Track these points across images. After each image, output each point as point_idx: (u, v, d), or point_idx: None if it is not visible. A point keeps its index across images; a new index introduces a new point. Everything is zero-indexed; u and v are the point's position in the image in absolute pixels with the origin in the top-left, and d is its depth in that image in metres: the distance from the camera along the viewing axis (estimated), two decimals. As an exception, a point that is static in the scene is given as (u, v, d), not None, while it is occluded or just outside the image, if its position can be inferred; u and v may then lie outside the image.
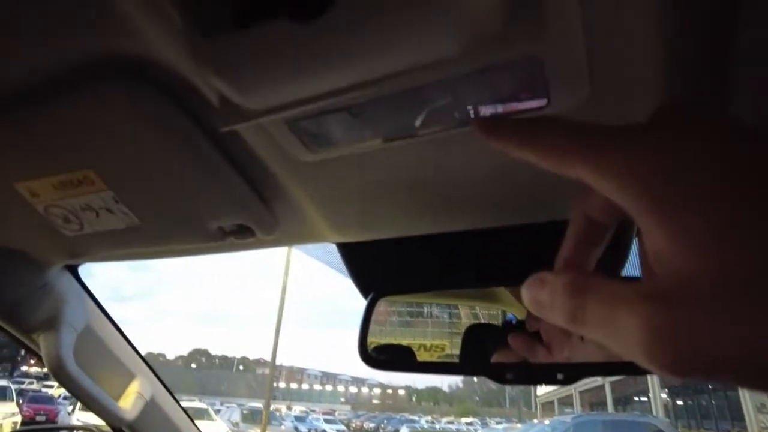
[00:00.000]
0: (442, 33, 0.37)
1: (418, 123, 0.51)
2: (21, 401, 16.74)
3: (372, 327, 0.79)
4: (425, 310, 0.97)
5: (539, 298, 0.32)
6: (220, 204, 0.69)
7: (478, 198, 0.65)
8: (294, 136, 0.54)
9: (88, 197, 0.71)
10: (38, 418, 16.51)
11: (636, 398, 30.91)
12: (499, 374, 0.67)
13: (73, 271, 1.14)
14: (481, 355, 0.89)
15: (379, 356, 0.82)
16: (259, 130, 0.56)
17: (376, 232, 0.76)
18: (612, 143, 0.30)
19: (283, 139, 0.55)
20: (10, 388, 16.12)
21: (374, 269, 0.84)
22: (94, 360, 1.16)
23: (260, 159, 0.63)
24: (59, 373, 1.04)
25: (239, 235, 0.75)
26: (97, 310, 1.19)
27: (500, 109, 0.48)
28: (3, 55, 0.55)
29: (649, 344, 0.24)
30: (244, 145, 0.61)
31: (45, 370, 1.11)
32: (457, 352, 0.91)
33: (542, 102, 0.46)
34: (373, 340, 0.83)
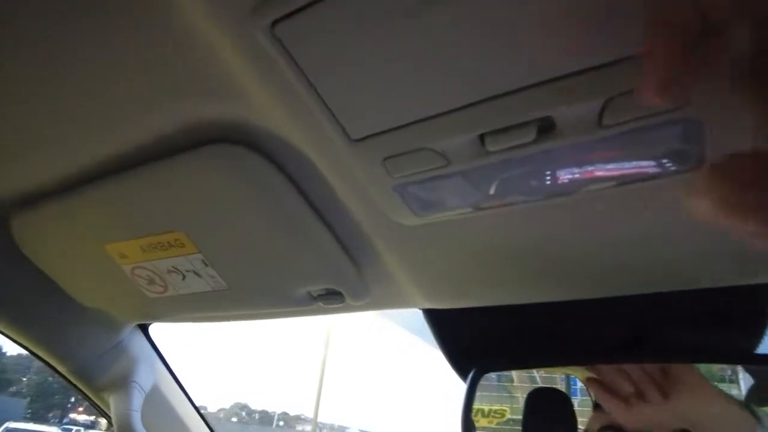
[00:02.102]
0: None
1: (542, 184, 0.47)
2: (68, 449, 16.94)
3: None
4: None
5: None
6: (312, 269, 0.67)
7: (594, 266, 0.59)
8: (400, 199, 0.51)
9: (176, 260, 0.71)
10: (84, 468, 16.61)
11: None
12: None
13: (145, 330, 1.14)
14: (549, 422, 0.81)
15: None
16: (362, 193, 0.54)
17: (472, 299, 0.71)
18: None
19: (387, 203, 0.53)
20: (59, 435, 16.43)
21: (471, 340, 0.78)
22: (159, 421, 1.14)
23: (357, 223, 0.61)
24: None
25: (328, 299, 0.71)
26: (165, 371, 1.18)
27: (637, 170, 0.43)
28: (108, 123, 0.56)
29: None
30: (342, 209, 0.59)
31: (92, 418, 1.09)
32: (516, 417, 0.83)
33: (687, 166, 0.42)
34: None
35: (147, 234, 0.69)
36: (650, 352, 0.69)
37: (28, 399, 38.54)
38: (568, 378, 0.84)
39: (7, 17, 0.46)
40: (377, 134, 0.44)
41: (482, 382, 0.84)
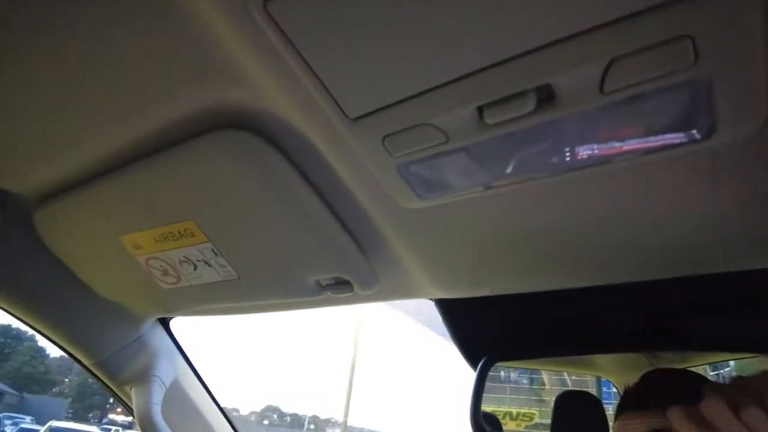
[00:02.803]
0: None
1: (547, 160, 0.45)
2: (107, 448, 17.49)
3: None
4: (502, 374, 0.86)
5: None
6: (319, 257, 0.66)
7: (610, 249, 0.56)
8: (404, 181, 0.50)
9: (187, 249, 0.71)
10: (121, 467, 17.11)
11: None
12: None
13: (165, 325, 1.16)
14: (578, 426, 0.77)
15: (494, 430, 0.71)
16: (367, 176, 0.53)
17: (483, 288, 0.69)
18: None
19: (391, 185, 0.52)
20: (98, 434, 16.98)
21: (483, 330, 0.76)
22: (179, 416, 1.15)
23: (364, 209, 0.60)
24: (148, 427, 1.03)
25: (336, 289, 0.71)
26: (186, 366, 1.19)
27: (649, 143, 0.41)
28: (120, 113, 0.57)
29: None
30: (348, 194, 0.59)
31: (130, 419, 1.11)
32: (545, 421, 0.80)
33: (697, 135, 0.39)
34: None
35: (159, 224, 0.70)
36: (673, 340, 0.65)
37: (70, 399, 39.99)
38: (599, 381, 0.81)
39: (12, 16, 0.48)
40: (375, 112, 0.44)
41: (511, 384, 0.82)
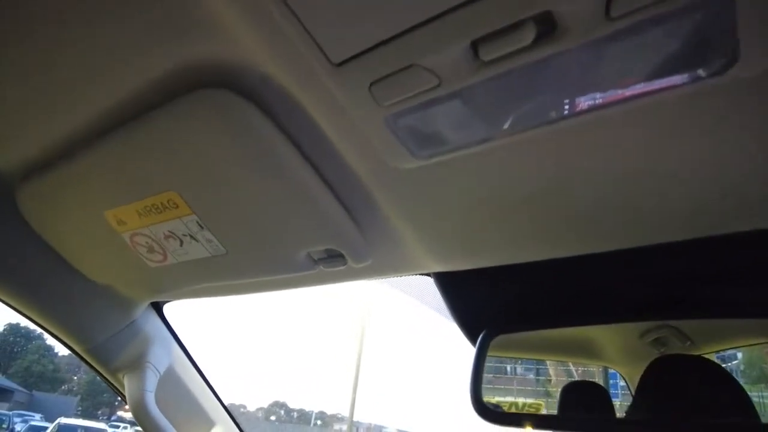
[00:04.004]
0: None
1: (549, 105, 0.41)
2: (116, 445, 17.63)
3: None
4: (508, 367, 0.83)
5: None
6: (309, 226, 0.63)
7: (617, 209, 0.52)
8: (393, 136, 0.47)
9: (171, 223, 0.68)
10: (129, 463, 17.26)
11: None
12: None
13: (159, 310, 1.13)
14: (584, 416, 0.74)
15: (496, 408, 0.68)
16: (356, 135, 0.49)
17: (485, 258, 0.65)
18: None
19: (381, 142, 0.48)
20: (107, 431, 17.09)
21: (482, 303, 0.72)
22: (174, 404, 1.12)
23: (354, 173, 0.56)
24: (141, 415, 1.01)
25: (329, 262, 0.67)
26: (181, 353, 1.17)
27: (659, 83, 0.37)
28: (93, 78, 0.55)
29: None
30: (337, 157, 0.55)
31: None
32: (552, 412, 0.78)
33: (714, 67, 0.35)
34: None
35: (141, 197, 0.67)
36: (685, 309, 0.62)
37: (79, 397, 40.36)
38: (606, 372, 0.78)
39: None
40: (360, 54, 0.40)
41: (518, 375, 0.80)
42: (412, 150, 0.48)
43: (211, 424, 1.19)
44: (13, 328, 42.73)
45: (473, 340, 0.68)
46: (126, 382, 1.03)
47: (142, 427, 1.02)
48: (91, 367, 1.09)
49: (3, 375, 36.95)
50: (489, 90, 0.41)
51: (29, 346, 42.04)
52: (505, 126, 0.44)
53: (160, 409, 1.02)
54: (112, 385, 1.11)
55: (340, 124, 0.50)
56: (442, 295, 0.72)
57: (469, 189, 0.53)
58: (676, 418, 0.62)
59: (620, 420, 0.72)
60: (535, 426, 0.67)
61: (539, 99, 0.41)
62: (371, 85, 0.42)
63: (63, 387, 43.30)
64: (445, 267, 0.68)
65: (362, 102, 0.44)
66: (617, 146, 0.45)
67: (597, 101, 0.40)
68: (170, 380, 1.11)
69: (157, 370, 1.06)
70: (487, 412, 0.65)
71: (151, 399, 1.01)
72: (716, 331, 0.69)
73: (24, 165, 0.73)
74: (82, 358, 1.07)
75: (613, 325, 0.74)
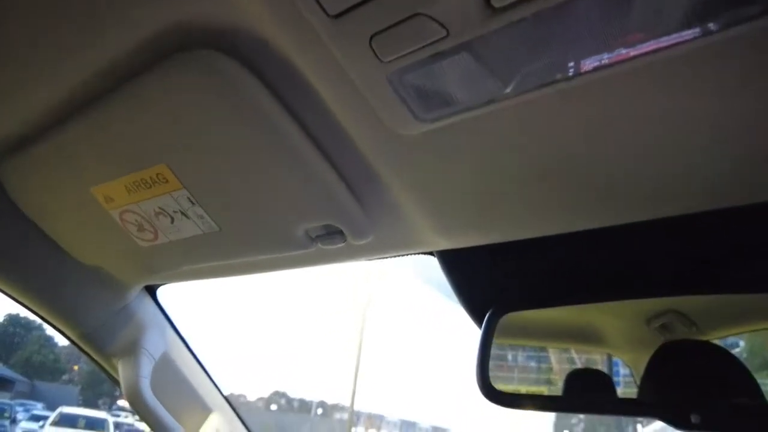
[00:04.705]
0: None
1: (566, 60, 0.38)
2: (117, 433, 17.74)
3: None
4: (509, 356, 0.81)
5: None
6: (305, 199, 0.59)
7: (639, 179, 0.48)
8: (397, 97, 0.43)
9: (161, 199, 0.65)
10: (131, 451, 17.37)
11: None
12: (680, 416, 0.49)
13: (153, 294, 1.10)
14: (588, 402, 0.73)
15: (502, 390, 0.65)
16: (355, 97, 0.46)
17: (493, 233, 0.61)
18: None
19: (383, 105, 0.45)
20: (108, 420, 17.15)
21: (488, 281, 0.69)
22: (170, 390, 1.10)
23: (353, 140, 0.53)
24: (136, 401, 0.98)
25: (327, 240, 0.64)
26: (176, 338, 1.14)
27: (688, 32, 0.34)
28: (75, 42, 0.51)
29: None
30: (334, 123, 0.51)
31: None
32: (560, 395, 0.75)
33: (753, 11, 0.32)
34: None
35: (129, 171, 0.63)
36: (703, 284, 0.59)
37: (80, 387, 40.55)
38: (610, 359, 0.76)
39: None
40: (359, 4, 0.37)
41: (520, 361, 0.78)
42: (416, 113, 0.44)
43: (208, 409, 1.16)
44: (12, 319, 42.84)
45: (479, 322, 0.66)
46: (120, 367, 1.00)
47: (137, 413, 1.00)
48: (85, 352, 1.06)
49: (4, 365, 37.11)
50: (499, 43, 0.37)
51: (29, 336, 42.16)
52: (514, 85, 0.41)
53: (155, 396, 1.00)
54: (107, 371, 1.09)
55: (339, 88, 0.47)
56: (446, 275, 0.69)
57: (476, 158, 0.50)
58: (683, 399, 0.60)
59: (627, 400, 0.70)
60: (543, 408, 0.65)
61: (550, 55, 0.38)
62: (372, 38, 0.39)
63: (64, 377, 43.49)
64: (450, 243, 0.65)
65: (362, 58, 0.40)
66: (633, 109, 0.41)
67: (606, 60, 0.37)
68: (166, 366, 1.09)
69: (151, 355, 1.03)
70: (495, 393, 0.63)
71: (146, 385, 0.99)
72: (722, 315, 0.68)
73: (5, 141, 0.70)
74: (74, 344, 1.05)
75: (620, 309, 0.72)
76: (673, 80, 0.38)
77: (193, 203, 0.63)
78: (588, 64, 0.38)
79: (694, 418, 0.52)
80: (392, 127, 0.47)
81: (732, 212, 0.49)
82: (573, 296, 0.65)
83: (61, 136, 0.64)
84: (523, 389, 0.78)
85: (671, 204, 0.50)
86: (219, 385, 1.21)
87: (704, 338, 0.69)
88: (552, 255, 0.64)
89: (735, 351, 0.68)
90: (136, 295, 1.03)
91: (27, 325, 42.23)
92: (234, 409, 1.23)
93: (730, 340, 0.65)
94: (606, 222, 0.54)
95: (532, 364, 0.81)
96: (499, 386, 0.68)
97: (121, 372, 1.00)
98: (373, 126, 0.49)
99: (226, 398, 1.21)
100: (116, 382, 1.06)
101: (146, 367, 1.01)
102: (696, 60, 0.37)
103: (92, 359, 1.08)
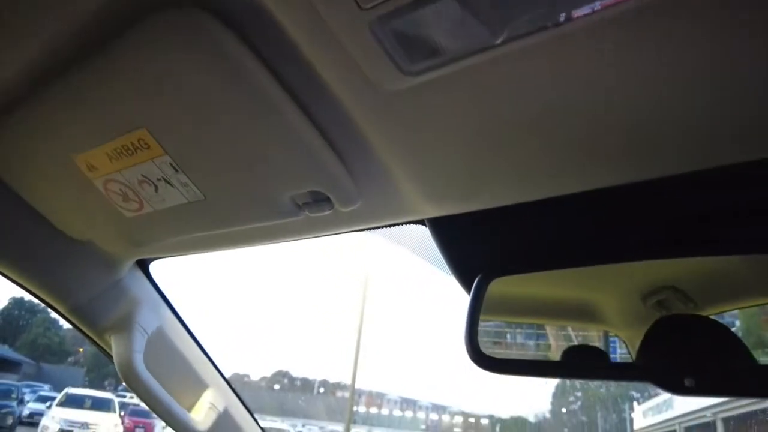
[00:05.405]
0: None
1: (558, 8, 0.36)
2: (123, 413, 17.96)
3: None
4: (508, 334, 0.81)
5: None
6: (289, 163, 0.57)
7: (622, 134, 0.46)
8: (380, 47, 0.41)
9: (144, 166, 0.63)
10: (137, 431, 17.63)
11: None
12: (674, 380, 0.49)
13: (146, 270, 1.09)
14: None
15: (492, 355, 0.64)
16: (337, 51, 0.44)
17: (484, 196, 0.59)
18: None
19: (366, 56, 0.42)
20: (114, 400, 17.40)
21: (477, 246, 0.67)
22: (165, 366, 1.09)
23: (337, 98, 0.50)
24: (129, 377, 0.97)
25: (314, 207, 0.62)
26: (170, 313, 1.13)
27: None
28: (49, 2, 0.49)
29: None
30: (317, 81, 0.49)
31: None
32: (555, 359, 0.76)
33: None
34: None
35: (111, 137, 0.61)
36: (696, 245, 0.57)
37: (86, 368, 41.09)
38: (606, 336, 0.76)
39: None
40: None
41: (519, 340, 0.78)
42: (401, 65, 0.42)
43: (203, 385, 1.16)
44: (17, 302, 43.20)
45: (468, 288, 0.64)
46: (113, 343, 1.00)
47: (131, 388, 0.99)
48: (77, 327, 1.05)
49: (10, 348, 37.55)
50: None
51: (34, 319, 42.57)
52: (503, 33, 0.38)
53: (150, 371, 0.99)
54: (101, 347, 1.08)
55: (322, 44, 0.44)
56: (437, 243, 0.67)
57: (465, 114, 0.48)
58: (677, 365, 0.60)
59: (620, 365, 0.70)
60: (534, 373, 0.64)
61: (540, 0, 0.36)
62: None
63: (70, 359, 44.04)
64: (440, 210, 0.63)
65: (342, 5, 0.38)
66: (629, 58, 0.39)
67: (599, 5, 0.35)
68: (160, 342, 1.08)
69: (144, 330, 1.03)
70: (484, 359, 0.62)
71: (139, 360, 0.98)
72: (719, 291, 0.68)
73: None
74: (66, 318, 1.04)
75: (617, 285, 0.72)
76: (670, 27, 0.36)
77: (176, 170, 0.62)
78: (581, 10, 0.36)
79: (687, 382, 0.51)
80: (377, 82, 0.45)
81: (732, 169, 0.47)
82: (564, 260, 0.63)
83: (39, 103, 0.62)
84: (514, 355, 0.78)
85: (668, 162, 0.48)
86: (214, 361, 1.20)
87: (700, 314, 0.68)
88: (542, 219, 0.63)
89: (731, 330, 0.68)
90: (128, 270, 1.02)
91: (32, 308, 42.63)
92: (229, 384, 1.23)
93: (727, 319, 0.65)
94: (599, 183, 0.52)
95: (530, 342, 0.81)
96: (488, 351, 0.68)
97: (114, 348, 0.99)
98: (357, 82, 0.46)
99: (221, 373, 1.21)
100: (111, 358, 1.05)
101: (139, 342, 1.00)
102: (694, 3, 0.34)
103: (85, 335, 1.07)
